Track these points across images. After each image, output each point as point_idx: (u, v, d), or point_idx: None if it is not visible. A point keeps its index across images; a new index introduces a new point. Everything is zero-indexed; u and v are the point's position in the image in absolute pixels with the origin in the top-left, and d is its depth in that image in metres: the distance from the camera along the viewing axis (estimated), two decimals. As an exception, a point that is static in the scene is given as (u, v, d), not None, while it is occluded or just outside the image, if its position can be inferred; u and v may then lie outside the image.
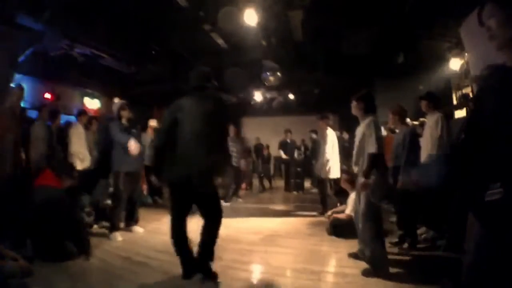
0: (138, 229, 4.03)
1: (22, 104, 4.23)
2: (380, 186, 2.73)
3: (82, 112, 5.38)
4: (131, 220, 4.05)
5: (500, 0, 1.21)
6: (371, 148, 2.71)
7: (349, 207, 3.93)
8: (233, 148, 6.10)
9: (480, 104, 1.28)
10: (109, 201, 4.38)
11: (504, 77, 1.21)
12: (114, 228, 3.75)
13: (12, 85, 4.27)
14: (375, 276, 2.62)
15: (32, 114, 5.23)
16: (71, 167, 4.20)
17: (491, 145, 1.13)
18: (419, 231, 3.88)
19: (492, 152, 1.14)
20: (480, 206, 1.15)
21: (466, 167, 1.23)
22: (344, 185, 4.17)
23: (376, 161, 2.73)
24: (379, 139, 2.75)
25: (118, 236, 3.70)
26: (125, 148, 3.65)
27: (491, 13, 1.21)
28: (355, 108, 2.99)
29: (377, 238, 2.72)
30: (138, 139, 3.97)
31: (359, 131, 2.92)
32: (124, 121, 3.89)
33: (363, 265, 2.83)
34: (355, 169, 2.96)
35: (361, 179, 2.75)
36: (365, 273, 2.68)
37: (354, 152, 2.96)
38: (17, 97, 3.89)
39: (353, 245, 3.27)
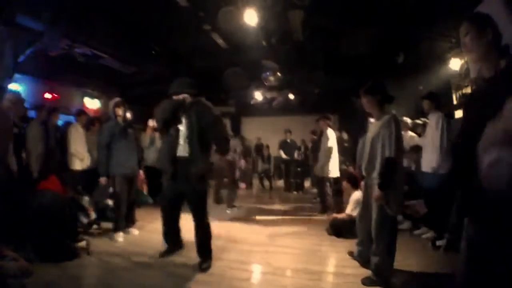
0: (133, 231, 3.97)
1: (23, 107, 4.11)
2: (398, 197, 2.40)
3: (81, 112, 5.37)
4: (128, 221, 3.98)
5: (473, 18, 1.35)
6: (388, 151, 2.36)
7: (350, 207, 3.93)
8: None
9: (468, 110, 1.37)
10: (109, 202, 4.38)
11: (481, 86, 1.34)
12: (117, 228, 3.75)
13: (11, 86, 4.26)
14: (376, 285, 2.48)
15: (32, 114, 5.23)
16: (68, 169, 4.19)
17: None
18: (419, 231, 3.90)
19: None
20: (471, 205, 1.20)
21: (461, 168, 1.29)
22: (346, 185, 4.16)
23: (394, 168, 2.37)
24: (399, 140, 2.42)
25: (120, 237, 3.69)
26: (118, 151, 3.67)
27: (466, 30, 1.34)
28: (369, 102, 2.57)
29: (390, 250, 2.50)
30: (133, 139, 3.91)
31: (374, 129, 2.56)
32: (120, 119, 3.81)
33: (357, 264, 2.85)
34: (365, 173, 2.67)
35: (375, 188, 2.45)
36: (366, 282, 2.53)
37: (366, 154, 2.63)
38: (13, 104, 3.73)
39: (353, 244, 3.27)
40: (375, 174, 2.52)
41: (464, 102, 1.58)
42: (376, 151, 2.51)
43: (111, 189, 4.14)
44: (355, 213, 3.77)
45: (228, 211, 5.57)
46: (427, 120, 4.01)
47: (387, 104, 2.60)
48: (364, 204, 2.77)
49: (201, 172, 2.81)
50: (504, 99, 1.12)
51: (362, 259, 2.86)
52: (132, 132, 3.93)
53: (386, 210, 2.42)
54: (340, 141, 5.70)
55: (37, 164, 4.18)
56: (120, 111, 3.81)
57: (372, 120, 2.82)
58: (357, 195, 3.89)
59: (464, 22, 1.35)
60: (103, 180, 3.77)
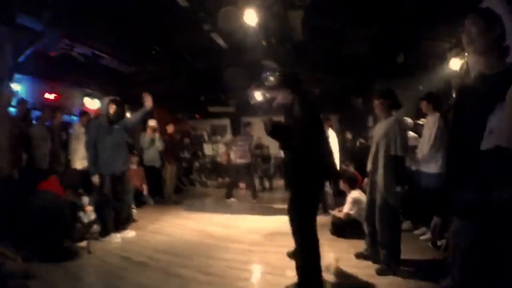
0: (129, 233, 3.91)
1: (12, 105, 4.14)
2: (399, 188, 2.69)
3: (84, 113, 5.42)
4: (123, 222, 3.91)
5: (483, 12, 1.35)
6: (397, 150, 2.66)
7: (347, 206, 3.92)
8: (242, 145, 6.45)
9: (458, 110, 1.36)
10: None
11: (479, 84, 1.32)
12: (106, 231, 3.67)
13: (10, 86, 4.27)
14: (389, 274, 2.66)
15: (32, 114, 5.23)
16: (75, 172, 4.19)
17: (472, 150, 1.18)
18: (418, 231, 3.89)
19: (473, 155, 1.19)
20: (466, 207, 1.20)
21: (454, 170, 1.28)
22: (343, 186, 4.15)
23: (402, 165, 2.71)
24: (404, 140, 2.73)
25: (116, 237, 3.66)
26: (104, 150, 3.61)
27: (473, 22, 1.34)
28: (380, 106, 2.90)
29: (396, 240, 2.73)
30: (120, 136, 3.83)
31: (380, 130, 2.85)
32: (111, 116, 3.73)
33: (364, 265, 2.86)
34: (369, 168, 2.92)
35: (380, 184, 2.71)
36: (379, 272, 2.70)
37: (372, 151, 2.89)
38: (7, 99, 3.79)
39: (353, 245, 3.27)
40: (380, 171, 2.73)
41: (457, 100, 1.53)
42: (381, 150, 2.75)
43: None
44: (352, 212, 3.80)
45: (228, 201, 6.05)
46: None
47: (395, 110, 2.88)
48: (370, 200, 2.91)
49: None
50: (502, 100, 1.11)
51: (372, 251, 2.92)
52: (119, 128, 3.81)
53: (388, 202, 2.64)
54: (343, 141, 5.71)
55: (40, 164, 4.20)
56: (113, 109, 3.74)
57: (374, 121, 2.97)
58: (354, 194, 3.90)
59: (474, 14, 1.35)
60: (95, 179, 3.67)
